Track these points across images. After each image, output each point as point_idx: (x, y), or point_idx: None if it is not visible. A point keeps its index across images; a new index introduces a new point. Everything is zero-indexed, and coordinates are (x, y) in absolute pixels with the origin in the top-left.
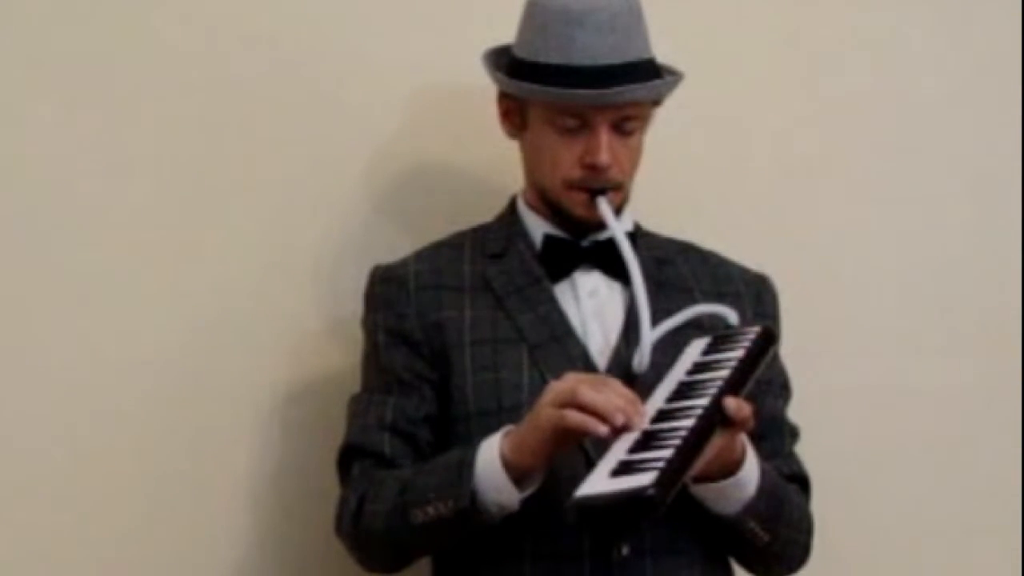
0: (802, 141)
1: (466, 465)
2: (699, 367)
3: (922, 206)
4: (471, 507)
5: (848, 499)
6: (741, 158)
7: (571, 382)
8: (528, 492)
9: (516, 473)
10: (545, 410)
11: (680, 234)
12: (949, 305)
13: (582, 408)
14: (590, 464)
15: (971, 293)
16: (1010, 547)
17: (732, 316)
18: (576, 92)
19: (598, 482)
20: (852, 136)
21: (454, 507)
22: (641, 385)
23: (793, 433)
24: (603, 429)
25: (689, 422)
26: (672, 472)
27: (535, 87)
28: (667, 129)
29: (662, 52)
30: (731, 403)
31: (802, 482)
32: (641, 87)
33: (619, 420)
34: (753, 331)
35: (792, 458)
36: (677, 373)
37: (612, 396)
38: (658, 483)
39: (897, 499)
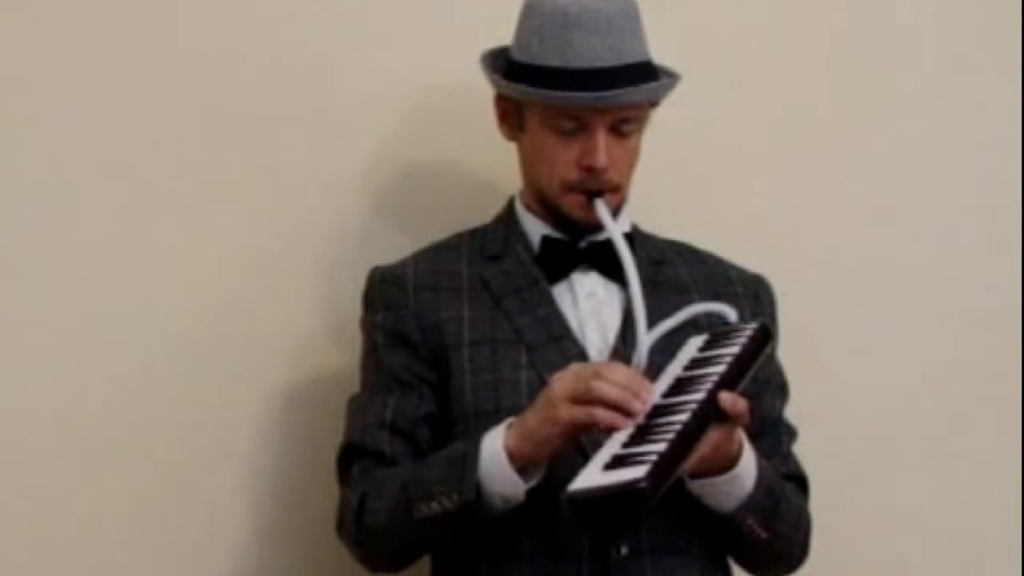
0: (800, 142)
1: (469, 458)
2: (695, 363)
3: (921, 206)
4: (476, 500)
5: (846, 499)
6: (738, 159)
7: (581, 375)
8: (532, 483)
9: (520, 463)
10: (563, 406)
11: (678, 235)
12: (949, 305)
13: (602, 404)
14: (591, 457)
15: (971, 293)
16: (1010, 547)
17: (731, 313)
18: (573, 95)
19: (591, 476)
20: (850, 136)
21: (459, 500)
22: None
23: (791, 433)
24: (627, 423)
25: (683, 416)
26: (665, 465)
27: (532, 90)
28: (665, 129)
29: (659, 53)
30: (726, 397)
31: (800, 482)
32: (638, 90)
33: (637, 407)
34: (750, 328)
35: (790, 458)
36: (674, 369)
37: (624, 380)
38: (650, 476)
39: (896, 499)
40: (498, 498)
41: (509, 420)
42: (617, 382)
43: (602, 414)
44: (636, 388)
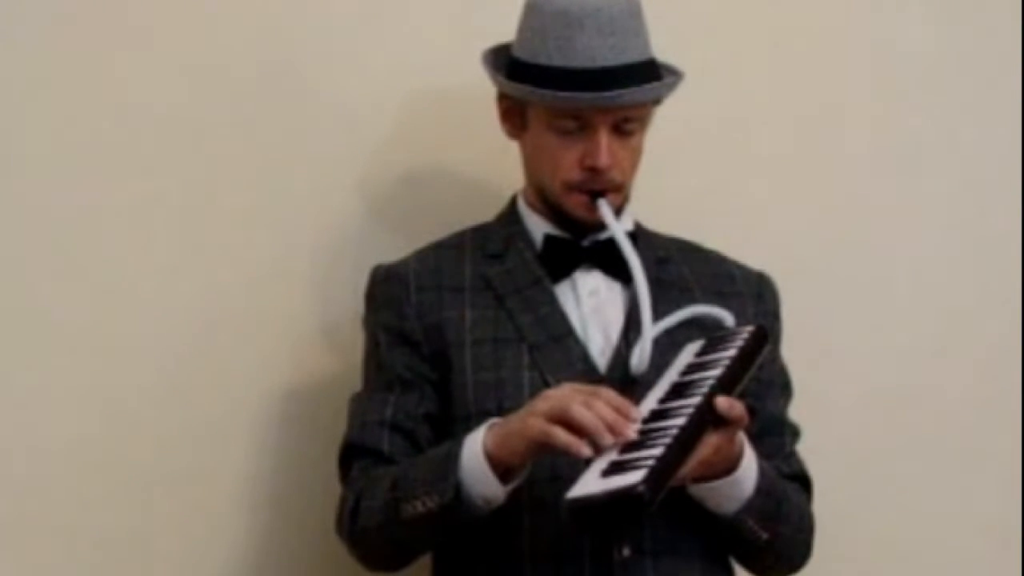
0: (802, 140)
1: (451, 459)
2: (693, 367)
3: (922, 206)
4: (457, 501)
5: (849, 499)
6: (742, 157)
7: (564, 396)
8: (513, 485)
9: (500, 467)
10: (536, 420)
11: (681, 233)
12: (949, 305)
13: (571, 427)
14: (590, 464)
15: (971, 294)
16: (1010, 546)
17: (728, 318)
18: (575, 96)
19: (589, 483)
20: (852, 136)
21: (440, 502)
22: (641, 384)
23: (794, 433)
24: (587, 452)
25: (680, 421)
26: (662, 470)
27: (534, 90)
28: (668, 127)
29: (662, 51)
30: (722, 402)
31: (803, 481)
32: (640, 90)
33: (607, 440)
34: (746, 331)
35: (793, 458)
36: (671, 374)
37: (604, 411)
38: (647, 481)
39: (897, 499)
40: (479, 499)
41: (491, 421)
42: (599, 411)
43: (562, 436)
44: (618, 423)
